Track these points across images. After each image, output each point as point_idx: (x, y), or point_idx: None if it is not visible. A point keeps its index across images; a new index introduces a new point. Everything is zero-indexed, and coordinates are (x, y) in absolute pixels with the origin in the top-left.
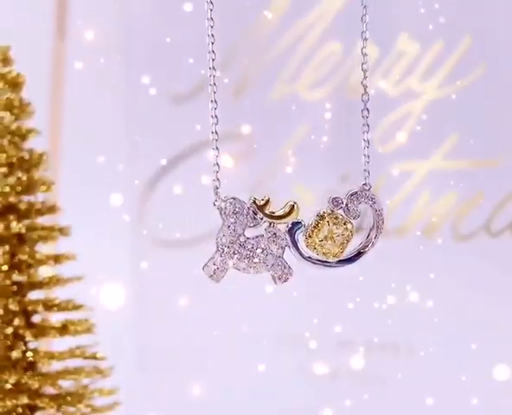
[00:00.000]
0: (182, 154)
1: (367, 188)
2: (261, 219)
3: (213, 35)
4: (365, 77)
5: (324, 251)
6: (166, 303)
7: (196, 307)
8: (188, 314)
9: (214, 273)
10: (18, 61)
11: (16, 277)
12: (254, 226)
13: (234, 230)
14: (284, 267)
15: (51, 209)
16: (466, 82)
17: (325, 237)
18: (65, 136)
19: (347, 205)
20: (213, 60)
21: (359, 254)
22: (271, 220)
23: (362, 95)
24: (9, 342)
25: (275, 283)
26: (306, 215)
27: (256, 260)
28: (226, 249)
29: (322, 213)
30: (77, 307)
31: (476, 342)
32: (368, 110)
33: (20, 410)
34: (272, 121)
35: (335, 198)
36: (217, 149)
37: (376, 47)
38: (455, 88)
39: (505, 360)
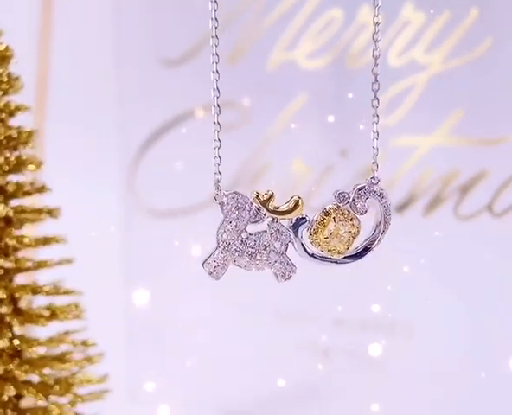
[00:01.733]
0: (172, 121)
1: (375, 183)
2: (264, 214)
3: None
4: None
5: (329, 248)
6: (156, 272)
7: (188, 278)
8: (178, 285)
9: (215, 270)
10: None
11: (2, 262)
12: (257, 221)
13: (236, 226)
14: (287, 264)
15: (40, 190)
16: (472, 56)
17: (331, 234)
18: (53, 106)
19: (353, 200)
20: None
21: (365, 250)
22: (274, 216)
23: (373, 84)
24: None
25: (277, 280)
26: (303, 190)
27: (258, 257)
28: (227, 245)
29: (327, 208)
30: (66, 292)
31: (476, 323)
32: (377, 99)
33: (5, 398)
34: (268, 91)
35: (341, 193)
36: (219, 140)
37: (380, 16)
38: (460, 62)
39: (505, 339)
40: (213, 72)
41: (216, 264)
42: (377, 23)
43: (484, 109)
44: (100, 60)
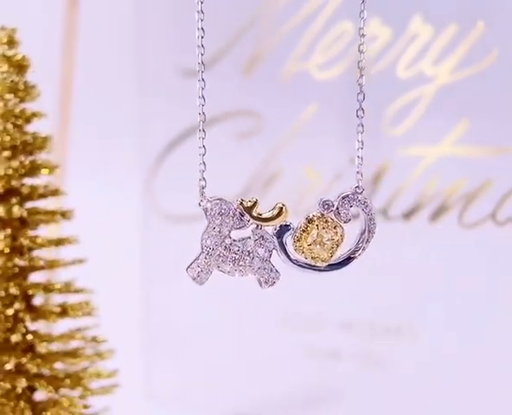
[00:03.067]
0: (190, 128)
1: (359, 192)
2: (248, 221)
3: (202, 12)
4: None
5: (313, 255)
6: (174, 276)
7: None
8: (195, 288)
9: (198, 275)
10: (30, 32)
11: (17, 260)
12: (241, 227)
13: (220, 231)
14: (271, 271)
15: (54, 193)
16: (478, 68)
17: (314, 241)
18: (76, 109)
19: (337, 208)
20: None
21: (349, 259)
22: (258, 223)
23: (358, 94)
24: (9, 325)
25: (261, 286)
26: (314, 198)
27: (242, 263)
28: (210, 251)
29: (311, 216)
30: (78, 290)
31: (480, 328)
32: (363, 110)
33: (19, 391)
34: (281, 100)
35: (325, 201)
36: (204, 147)
37: (389, 30)
38: (467, 73)
39: (509, 344)
40: (198, 80)
41: (200, 270)
42: (362, 35)
43: (490, 119)
44: (122, 68)
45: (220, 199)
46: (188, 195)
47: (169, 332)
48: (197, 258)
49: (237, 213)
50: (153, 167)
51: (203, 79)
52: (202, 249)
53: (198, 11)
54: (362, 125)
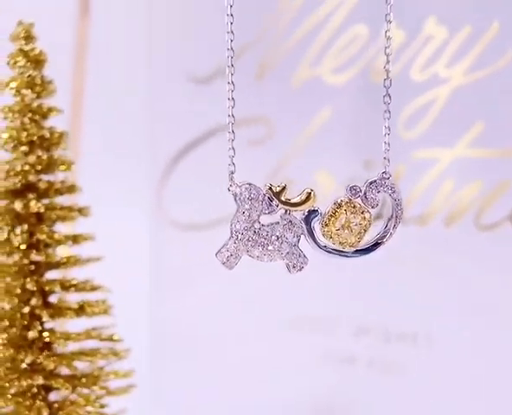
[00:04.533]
0: (201, 136)
1: (386, 177)
2: (277, 206)
3: (232, 15)
4: (388, 61)
5: (341, 240)
6: (183, 285)
7: (213, 290)
8: (205, 296)
9: (228, 260)
10: (41, 39)
11: (33, 256)
12: (270, 212)
13: (249, 216)
14: (299, 256)
15: (70, 189)
16: (493, 69)
17: (342, 226)
18: (86, 117)
19: (365, 194)
20: (231, 40)
21: (376, 244)
22: (286, 208)
23: (384, 80)
24: (25, 322)
25: (289, 271)
26: (328, 202)
27: (270, 248)
28: (240, 235)
29: (339, 201)
30: (95, 288)
31: (497, 333)
32: (389, 96)
33: (35, 390)
34: (294, 105)
35: (352, 186)
36: (233, 132)
37: (403, 32)
38: (482, 75)
39: None
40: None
41: (229, 254)
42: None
43: (505, 121)
44: (132, 78)
45: (249, 184)
46: (197, 204)
47: (178, 339)
48: (226, 243)
49: (266, 198)
50: (163, 176)
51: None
52: (231, 234)
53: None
54: (389, 112)
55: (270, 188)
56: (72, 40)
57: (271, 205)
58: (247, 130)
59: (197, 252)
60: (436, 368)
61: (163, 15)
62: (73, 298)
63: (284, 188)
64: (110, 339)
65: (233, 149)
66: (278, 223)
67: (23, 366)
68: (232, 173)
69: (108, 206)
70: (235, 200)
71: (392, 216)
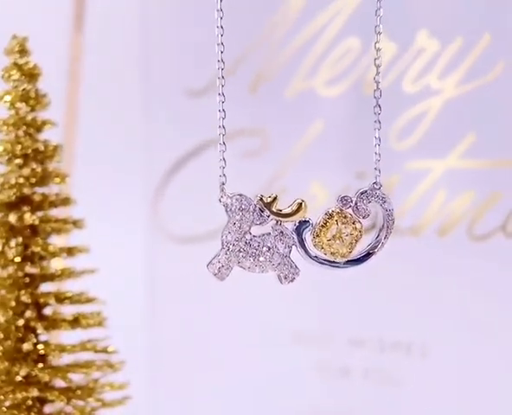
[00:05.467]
0: (196, 148)
1: (377, 187)
2: (268, 216)
3: (222, 27)
4: (377, 73)
5: (332, 250)
6: (179, 297)
7: (209, 302)
8: (201, 309)
9: (219, 271)
10: (35, 52)
11: (28, 269)
12: (261, 223)
13: (240, 227)
14: (291, 266)
15: (65, 201)
16: (485, 80)
17: (333, 236)
18: (81, 129)
19: (356, 204)
20: (221, 52)
21: (368, 255)
22: (278, 218)
23: (374, 91)
24: (20, 334)
25: (281, 282)
26: (321, 213)
27: (262, 259)
28: (231, 246)
29: (330, 211)
30: (89, 300)
31: (491, 342)
32: (379, 106)
33: (30, 402)
34: (287, 117)
35: (343, 197)
36: (224, 144)
37: (395, 44)
38: (473, 86)
39: None
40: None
41: (221, 265)
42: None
43: (497, 132)
44: (127, 90)
45: (240, 194)
46: (193, 216)
47: (175, 353)
48: (218, 254)
49: (257, 208)
50: (159, 187)
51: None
52: (223, 245)
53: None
54: (379, 122)
55: (261, 199)
56: (65, 54)
57: (262, 216)
58: (241, 141)
59: (192, 264)
60: (431, 378)
61: (158, 28)
62: (67, 310)
63: (275, 198)
64: (105, 351)
65: (223, 160)
66: (270, 234)
67: (18, 378)
68: (223, 184)
69: (103, 219)
70: (226, 211)
71: (383, 226)
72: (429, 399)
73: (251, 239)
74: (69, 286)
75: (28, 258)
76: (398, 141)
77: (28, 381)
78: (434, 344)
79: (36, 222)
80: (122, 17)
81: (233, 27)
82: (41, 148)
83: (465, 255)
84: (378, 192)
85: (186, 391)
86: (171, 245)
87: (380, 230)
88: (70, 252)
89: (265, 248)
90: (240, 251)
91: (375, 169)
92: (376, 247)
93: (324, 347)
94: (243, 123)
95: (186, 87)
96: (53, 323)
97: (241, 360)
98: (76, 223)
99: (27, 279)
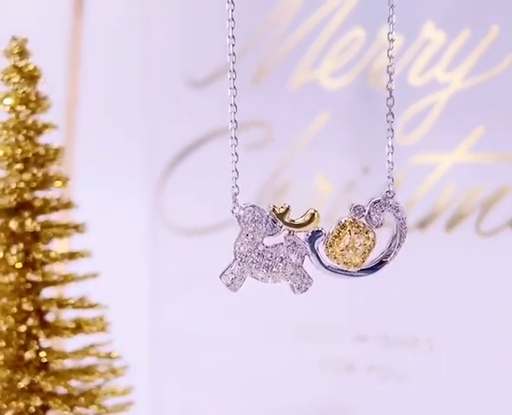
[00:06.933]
0: (199, 140)
1: (390, 196)
2: (280, 227)
3: (233, 19)
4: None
5: (345, 260)
6: (183, 292)
7: (213, 297)
8: (205, 304)
9: (232, 282)
10: (35, 54)
11: (30, 275)
12: (273, 234)
13: (253, 238)
14: (304, 277)
15: (66, 206)
16: (493, 73)
17: (346, 246)
18: (82, 122)
19: (369, 213)
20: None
21: (381, 263)
22: (290, 229)
23: (387, 99)
24: (22, 342)
25: (294, 292)
26: (326, 207)
27: (275, 270)
28: (244, 258)
29: (343, 221)
30: (92, 305)
31: (498, 337)
32: (392, 114)
33: (33, 410)
34: (291, 109)
35: (356, 206)
36: (236, 154)
37: (401, 36)
38: (481, 79)
39: None
40: (230, 88)
41: (234, 276)
42: (392, 40)
43: (505, 125)
44: (128, 81)
45: (253, 206)
46: (196, 208)
47: (178, 347)
48: (230, 265)
49: (269, 219)
50: (161, 180)
51: (235, 87)
52: (236, 256)
53: (229, 19)
54: (392, 130)
55: (273, 210)
56: (65, 44)
57: (274, 226)
58: (245, 134)
59: (196, 258)
60: (437, 373)
61: (161, 18)
62: (70, 316)
63: (287, 209)
64: (108, 356)
65: (236, 171)
66: (282, 244)
67: (20, 386)
68: (235, 195)
69: (105, 212)
70: (239, 222)
71: (396, 235)
72: (434, 394)
73: (264, 250)
74: (72, 289)
75: (29, 264)
76: (405, 135)
77: (31, 389)
78: (440, 339)
79: (38, 229)
80: (124, 6)
81: (236, 18)
82: (42, 152)
83: (473, 250)
84: (391, 201)
85: (188, 386)
86: (175, 238)
87: (393, 239)
88: (72, 256)
89: (278, 259)
90: (253, 262)
91: (388, 177)
92: (389, 256)
93: (329, 342)
94: (247, 115)
95: (189, 78)
96: (55, 330)
97: (246, 356)
98: (77, 227)
99: (28, 286)
